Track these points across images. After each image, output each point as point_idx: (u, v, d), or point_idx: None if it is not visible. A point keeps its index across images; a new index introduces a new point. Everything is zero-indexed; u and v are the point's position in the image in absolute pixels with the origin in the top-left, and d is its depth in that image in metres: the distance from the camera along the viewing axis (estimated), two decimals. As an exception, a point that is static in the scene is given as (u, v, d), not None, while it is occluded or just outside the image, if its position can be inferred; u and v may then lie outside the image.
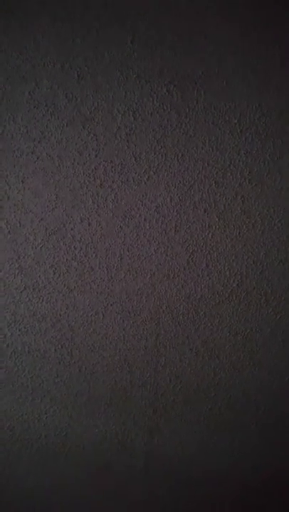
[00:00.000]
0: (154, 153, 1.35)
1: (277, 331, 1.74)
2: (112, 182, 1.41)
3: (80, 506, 2.55)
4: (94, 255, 1.57)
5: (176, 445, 2.16)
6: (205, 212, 1.46)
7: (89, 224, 1.50)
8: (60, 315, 1.72)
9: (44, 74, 1.22)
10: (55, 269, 1.60)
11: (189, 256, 1.55)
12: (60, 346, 1.82)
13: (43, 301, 1.69)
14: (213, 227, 1.49)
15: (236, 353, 1.80)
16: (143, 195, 1.43)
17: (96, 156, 1.36)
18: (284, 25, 1.14)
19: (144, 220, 1.48)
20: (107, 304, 1.68)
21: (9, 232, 1.52)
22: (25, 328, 1.77)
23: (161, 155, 1.35)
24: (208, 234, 1.50)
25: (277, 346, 1.78)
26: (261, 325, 1.72)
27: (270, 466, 2.26)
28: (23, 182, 1.41)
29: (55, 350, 1.83)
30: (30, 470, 2.36)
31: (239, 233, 1.50)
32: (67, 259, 1.58)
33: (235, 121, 1.29)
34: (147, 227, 1.50)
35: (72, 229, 1.51)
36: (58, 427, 2.13)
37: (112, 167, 1.38)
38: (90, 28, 1.16)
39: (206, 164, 1.36)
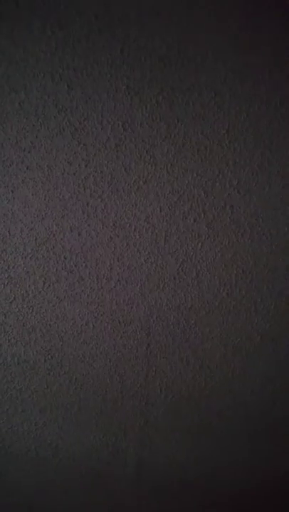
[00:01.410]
0: (144, 164, 1.36)
1: (267, 340, 1.74)
2: (102, 192, 1.41)
3: (71, 519, 2.52)
4: (84, 265, 1.56)
5: (168, 455, 2.15)
6: (194, 221, 1.46)
7: (79, 234, 1.50)
8: (50, 325, 1.72)
9: (34, 84, 1.23)
10: (45, 279, 1.60)
11: (179, 265, 1.56)
12: (49, 357, 1.81)
13: (32, 311, 1.68)
14: (203, 236, 1.49)
15: (227, 362, 1.81)
16: (133, 205, 1.43)
17: (86, 166, 1.36)
18: (273, 35, 1.15)
19: (134, 229, 1.48)
20: (98, 314, 1.68)
21: (-1, 242, 1.51)
22: (14, 338, 1.76)
23: (151, 165, 1.36)
24: (197, 243, 1.51)
25: (267, 355, 1.78)
26: (251, 334, 1.73)
27: (261, 474, 2.25)
28: (12, 192, 1.41)
29: (45, 360, 1.82)
30: (20, 482, 2.33)
31: (228, 242, 1.51)
32: (57, 269, 1.58)
33: (224, 131, 1.30)
34: (137, 237, 1.50)
35: (62, 239, 1.51)
36: (48, 439, 2.11)
37: (101, 177, 1.38)
38: (79, 38, 1.17)
39: (195, 174, 1.37)
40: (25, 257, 1.55)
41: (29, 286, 1.62)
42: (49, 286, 1.61)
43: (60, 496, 2.39)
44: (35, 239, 1.51)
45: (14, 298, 1.65)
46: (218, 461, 2.18)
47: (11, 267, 1.57)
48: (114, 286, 1.61)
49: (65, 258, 1.55)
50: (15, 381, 1.89)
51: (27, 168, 1.37)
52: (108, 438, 2.09)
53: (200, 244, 1.51)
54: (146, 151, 1.33)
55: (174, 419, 2.01)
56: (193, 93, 1.24)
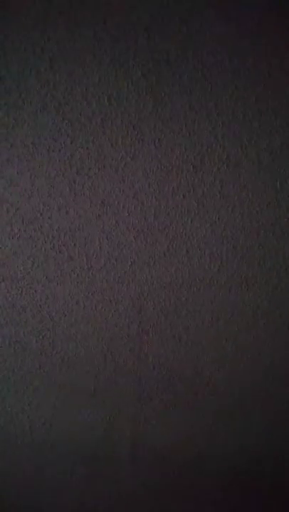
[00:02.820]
0: (131, 139, 1.33)
1: (259, 315, 1.74)
2: (89, 169, 1.38)
3: (67, 497, 2.55)
4: (72, 244, 1.55)
5: (162, 432, 2.17)
6: (184, 197, 1.44)
7: (66, 212, 1.47)
8: (40, 306, 1.71)
9: (15, 58, 1.19)
10: (34, 259, 1.58)
11: (169, 242, 1.54)
12: (41, 337, 1.80)
13: (22, 292, 1.67)
14: (192, 212, 1.48)
15: (219, 339, 1.81)
16: (120, 182, 1.41)
17: (71, 142, 1.33)
18: (261, 8, 1.12)
19: (123, 207, 1.46)
20: (88, 293, 1.67)
21: (-15, 222, 1.49)
22: (4, 320, 1.75)
23: (138, 140, 1.33)
24: (187, 219, 1.49)
25: (259, 330, 1.79)
26: (243, 309, 1.73)
27: (256, 451, 2.28)
28: (-3, 171, 1.38)
29: (36, 341, 1.82)
30: (15, 462, 2.35)
31: (218, 218, 1.49)
32: (45, 249, 1.56)
33: (212, 104, 1.27)
34: (126, 214, 1.48)
35: (49, 218, 1.48)
36: (42, 419, 2.12)
37: (88, 154, 1.35)
38: (61, 10, 1.13)
39: (183, 149, 1.35)
40: (13, 238, 1.53)
41: (17, 266, 1.60)
42: (38, 266, 1.60)
43: (55, 476, 2.41)
44: (22, 219, 1.48)
45: (3, 279, 1.63)
46: (212, 438, 2.21)
47: (-2, 248, 1.55)
48: (104, 265, 1.60)
49: (53, 237, 1.53)
50: (7, 362, 1.89)
51: (11, 146, 1.33)
52: (102, 416, 2.10)
53: (190, 220, 1.49)
54: (133, 126, 1.30)
55: (167, 396, 2.02)
56: (180, 66, 1.21)
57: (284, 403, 2.06)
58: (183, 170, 1.39)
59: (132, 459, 2.30)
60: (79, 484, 2.47)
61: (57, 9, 1.13)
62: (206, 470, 2.37)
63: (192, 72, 1.22)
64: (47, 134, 1.32)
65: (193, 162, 1.37)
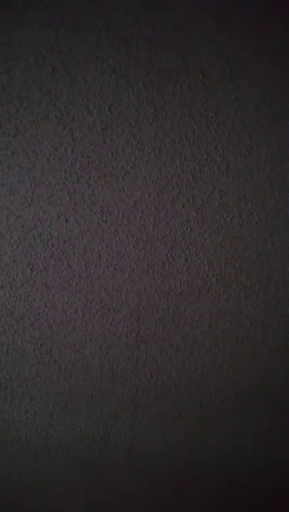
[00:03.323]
0: (131, 148, 1.33)
1: (257, 325, 1.75)
2: (89, 178, 1.39)
3: (64, 504, 2.54)
4: (72, 252, 1.55)
5: (158, 440, 2.16)
6: (183, 206, 1.45)
7: (66, 220, 1.48)
8: (39, 313, 1.70)
9: (17, 67, 1.20)
10: (33, 267, 1.58)
11: (168, 251, 1.55)
12: (39, 345, 1.80)
13: (20, 299, 1.66)
14: (192, 221, 1.48)
15: (216, 348, 1.81)
16: (120, 191, 1.42)
17: (72, 151, 1.34)
18: (260, 18, 1.14)
19: (122, 215, 1.47)
20: (86, 302, 1.67)
21: (-16, 230, 1.49)
22: (3, 327, 1.74)
23: (138, 150, 1.34)
24: (186, 229, 1.50)
25: (256, 340, 1.79)
26: (240, 319, 1.73)
27: (253, 458, 2.28)
28: (-3, 178, 1.38)
29: (34, 349, 1.81)
30: (12, 470, 2.34)
31: (217, 227, 1.50)
32: (44, 257, 1.56)
33: (212, 114, 1.28)
34: (125, 223, 1.48)
35: (49, 226, 1.49)
36: (38, 427, 2.11)
37: (88, 162, 1.36)
38: (64, 20, 1.14)
39: (183, 158, 1.35)
40: (12, 245, 1.53)
41: (16, 274, 1.60)
42: (37, 274, 1.60)
43: (52, 483, 2.40)
44: (22, 226, 1.49)
45: (1, 286, 1.63)
46: (209, 446, 2.20)
47: (-3, 255, 1.55)
48: (103, 273, 1.60)
49: (53, 245, 1.53)
50: (4, 370, 1.88)
51: (12, 154, 1.34)
52: (99, 425, 2.09)
53: (189, 229, 1.50)
54: (134, 136, 1.31)
55: (164, 405, 2.01)
56: (181, 75, 1.22)
57: (281, 411, 2.05)
58: (182, 179, 1.39)
59: (129, 466, 2.28)
60: (76, 492, 2.45)
61: (59, 19, 1.14)
62: (202, 477, 2.37)
63: (192, 83, 1.23)
64: (48, 143, 1.32)
65: (192, 171, 1.38)
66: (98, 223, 1.48)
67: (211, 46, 1.18)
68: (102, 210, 1.45)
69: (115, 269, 1.59)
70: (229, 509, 2.56)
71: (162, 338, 1.77)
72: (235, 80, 1.23)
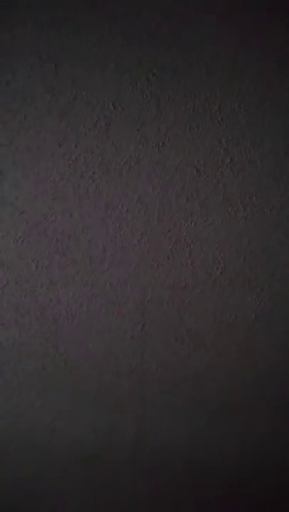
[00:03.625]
0: (135, 143, 1.34)
1: (261, 318, 1.75)
2: (93, 173, 1.39)
3: (69, 499, 2.56)
4: (76, 247, 1.55)
5: (165, 434, 2.18)
6: (187, 201, 1.45)
7: (70, 216, 1.48)
8: (44, 308, 1.71)
9: (21, 64, 1.20)
10: (38, 262, 1.59)
11: (172, 245, 1.55)
12: (44, 340, 1.81)
13: (26, 294, 1.67)
14: (196, 215, 1.49)
15: (221, 341, 1.82)
16: (124, 186, 1.42)
17: (76, 146, 1.34)
18: (263, 12, 1.13)
19: (127, 210, 1.47)
20: (91, 296, 1.68)
21: (-10, 226, 1.50)
22: (8, 322, 1.75)
23: (142, 144, 1.34)
24: (190, 223, 1.50)
25: (261, 332, 1.80)
26: (245, 312, 1.73)
27: (259, 452, 2.29)
28: (2, 174, 1.39)
29: (40, 343, 1.82)
30: (18, 464, 2.35)
31: (221, 221, 1.50)
32: (49, 252, 1.57)
33: (216, 108, 1.28)
34: (130, 218, 1.49)
35: (53, 221, 1.49)
36: (45, 421, 2.12)
37: (92, 158, 1.36)
38: (66, 16, 1.14)
39: (186, 153, 1.36)
40: (17, 241, 1.54)
41: (22, 269, 1.61)
42: (42, 269, 1.60)
43: (57, 478, 2.42)
44: (27, 222, 1.49)
45: (7, 282, 1.64)
46: (214, 438, 2.21)
47: (2, 251, 1.56)
48: (108, 268, 1.61)
49: (57, 241, 1.54)
50: (10, 364, 1.89)
51: (16, 150, 1.35)
52: (105, 418, 2.11)
53: (193, 223, 1.50)
54: (137, 130, 1.32)
55: (170, 398, 2.03)
56: (184, 70, 1.22)
57: (286, 405, 2.06)
58: (186, 174, 1.40)
59: (135, 460, 2.30)
60: (81, 486, 2.47)
61: (62, 16, 1.14)
62: (208, 471, 2.38)
63: (195, 77, 1.23)
64: (51, 139, 1.33)
65: (196, 166, 1.38)
66: (102, 218, 1.49)
67: (214, 41, 1.18)
68: (106, 205, 1.46)
69: (120, 263, 1.59)
70: (236, 506, 2.57)
71: (167, 332, 1.78)
72: (238, 74, 1.23)
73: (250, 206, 1.47)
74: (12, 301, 1.69)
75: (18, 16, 1.13)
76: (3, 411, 2.08)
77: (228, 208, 1.47)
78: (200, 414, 2.10)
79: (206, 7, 1.13)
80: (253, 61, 1.21)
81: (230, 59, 1.20)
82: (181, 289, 1.67)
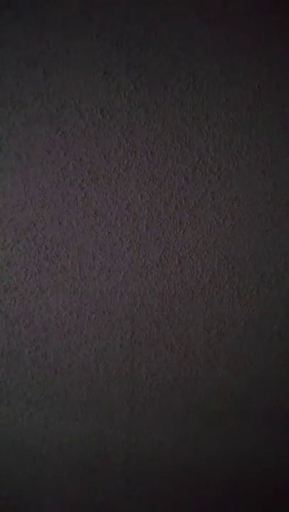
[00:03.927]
0: (123, 151, 1.34)
1: (250, 325, 1.75)
2: (82, 180, 1.40)
3: (60, 507, 2.53)
4: (66, 255, 1.55)
5: (155, 441, 2.17)
6: (176, 208, 1.46)
7: (60, 223, 1.48)
8: (34, 316, 1.71)
9: (9, 71, 1.20)
10: (27, 269, 1.58)
11: (161, 253, 1.55)
12: (34, 348, 1.80)
13: (15, 302, 1.67)
14: (184, 223, 1.49)
15: (211, 348, 1.82)
16: (113, 193, 1.42)
17: (65, 154, 1.34)
18: (252, 18, 1.15)
19: (116, 218, 1.47)
20: (81, 304, 1.67)
21: (-22, 233, 1.49)
22: (-3, 330, 1.74)
23: (130, 152, 1.35)
24: (179, 230, 1.51)
25: (251, 340, 1.80)
26: (234, 319, 1.74)
27: (250, 459, 2.28)
28: (-10, 182, 1.39)
29: (29, 352, 1.81)
30: (7, 473, 2.33)
31: (210, 229, 1.51)
32: (38, 260, 1.56)
33: (203, 117, 1.29)
34: (118, 225, 1.49)
35: (42, 228, 1.49)
36: (34, 429, 2.11)
37: (81, 165, 1.37)
38: (55, 23, 1.14)
39: (175, 161, 1.36)
40: (6, 248, 1.53)
41: (11, 277, 1.60)
42: (31, 276, 1.60)
43: (48, 486, 2.40)
44: (15, 229, 1.49)
45: (-4, 289, 1.63)
46: (205, 447, 2.21)
47: (-9, 258, 1.55)
48: (97, 275, 1.60)
49: (47, 248, 1.54)
50: (0, 372, 1.88)
51: (4, 157, 1.35)
52: (95, 427, 2.09)
53: (182, 231, 1.51)
54: (126, 138, 1.32)
55: (160, 406, 2.02)
56: (172, 78, 1.23)
57: (276, 411, 2.06)
58: (175, 181, 1.40)
59: (126, 468, 2.29)
60: (72, 494, 2.45)
61: (51, 23, 1.14)
62: (200, 479, 2.37)
63: (183, 85, 1.24)
64: (40, 146, 1.33)
65: (185, 174, 1.39)
66: (92, 225, 1.49)
67: (202, 49, 1.19)
68: (95, 213, 1.46)
69: (109, 271, 1.59)
70: (227, 509, 2.56)
71: (157, 340, 1.78)
72: (226, 82, 1.24)
73: (238, 213, 1.47)
74: (1, 308, 1.68)
75: (5, 22, 1.14)
76: (-8, 420, 2.06)
77: (216, 216, 1.48)
78: (190, 421, 2.09)
79: (194, 15, 1.14)
80: (241, 69, 1.22)
81: (218, 67, 1.21)
82: (171, 297, 1.67)
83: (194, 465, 2.29)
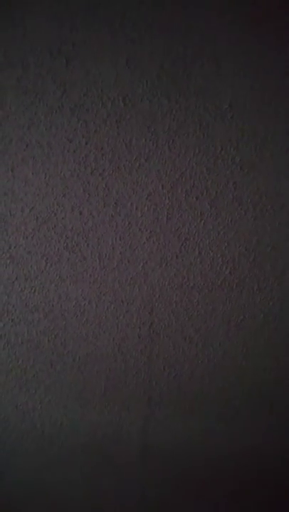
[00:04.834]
0: (145, 140, 1.33)
1: (270, 318, 1.74)
2: (103, 170, 1.39)
3: (76, 495, 2.56)
4: (86, 244, 1.55)
5: (171, 432, 2.17)
6: (197, 199, 1.44)
7: (80, 213, 1.48)
8: (53, 305, 1.72)
9: (32, 59, 1.20)
10: (47, 258, 1.59)
11: (182, 244, 1.54)
12: (53, 336, 1.81)
13: (35, 291, 1.68)
14: (205, 214, 1.48)
15: (229, 340, 1.81)
16: (134, 183, 1.42)
17: (86, 143, 1.34)
18: (276, 5, 1.12)
19: (136, 208, 1.47)
20: (100, 293, 1.68)
21: (-1, 221, 1.50)
22: (17, 318, 1.76)
23: (152, 142, 1.33)
24: (200, 221, 1.49)
25: (270, 332, 1.78)
26: (254, 312, 1.72)
27: (267, 450, 2.27)
28: (12, 171, 1.39)
29: (49, 340, 1.83)
30: (26, 460, 2.36)
31: (231, 220, 1.49)
32: (58, 249, 1.57)
33: (227, 105, 1.27)
34: (139, 215, 1.48)
35: (63, 218, 1.49)
36: (52, 417, 2.13)
37: (102, 154, 1.36)
38: (77, 11, 1.14)
39: (197, 151, 1.35)
40: (27, 237, 1.54)
41: (31, 266, 1.61)
42: (51, 265, 1.61)
43: (65, 473, 2.42)
44: (36, 218, 1.49)
45: (16, 278, 1.64)
46: (220, 438, 2.20)
47: (12, 247, 1.56)
48: (117, 266, 1.60)
49: (67, 237, 1.54)
50: (19, 361, 1.90)
51: (26, 146, 1.35)
52: (112, 416, 2.11)
53: (202, 222, 1.49)
54: (148, 128, 1.31)
55: (177, 397, 2.02)
56: (195, 66, 1.21)
57: (295, 407, 2.04)
58: (196, 171, 1.39)
59: (141, 458, 2.30)
60: (88, 482, 2.48)
61: (74, 10, 1.14)
62: (216, 470, 2.37)
63: (207, 73, 1.22)
64: (62, 135, 1.33)
65: (206, 164, 1.37)
66: (112, 215, 1.48)
67: (226, 36, 1.17)
68: (115, 203, 1.46)
69: (129, 261, 1.59)
70: (243, 503, 2.56)
71: (175, 331, 1.78)
72: (250, 71, 1.22)
73: (260, 205, 1.45)
74: (21, 297, 1.69)
75: (29, 11, 1.13)
76: (12, 407, 2.09)
77: (237, 207, 1.46)
78: (207, 413, 2.09)
79: (219, 2, 1.12)
80: (266, 57, 1.19)
81: (242, 55, 1.19)
82: (190, 288, 1.66)
83: (210, 456, 2.29)
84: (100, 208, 1.47)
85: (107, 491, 2.52)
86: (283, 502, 2.52)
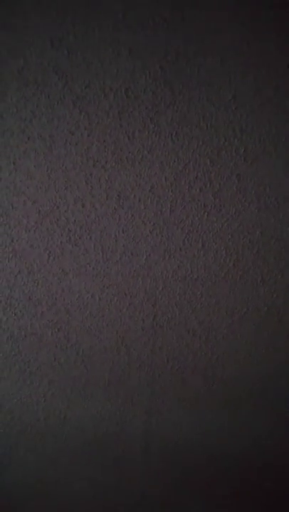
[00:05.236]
0: (148, 132, 1.32)
1: (274, 310, 1.73)
2: (106, 162, 1.38)
3: (79, 488, 2.58)
4: (88, 237, 1.55)
5: (174, 425, 2.17)
6: (200, 191, 1.44)
7: (83, 205, 1.47)
8: (56, 298, 1.71)
9: (33, 51, 1.19)
10: (50, 251, 1.59)
11: (185, 236, 1.54)
12: (56, 330, 1.81)
13: (38, 284, 1.67)
14: (209, 206, 1.47)
15: (233, 333, 1.80)
16: (137, 175, 1.41)
17: (88, 135, 1.33)
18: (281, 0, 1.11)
19: (139, 200, 1.46)
20: (103, 286, 1.67)
21: (1, 215, 1.50)
22: (20, 312, 1.76)
23: (155, 133, 1.32)
24: (203, 213, 1.49)
25: (273, 325, 1.78)
26: (258, 304, 1.72)
27: (268, 444, 2.28)
28: (14, 163, 1.39)
29: (52, 333, 1.83)
30: (29, 452, 2.37)
31: (235, 212, 1.48)
32: (61, 242, 1.56)
33: (230, 97, 1.26)
34: (142, 208, 1.48)
35: (65, 211, 1.49)
36: (56, 410, 2.13)
37: (104, 147, 1.35)
38: (79, 2, 1.12)
39: (200, 142, 1.34)
40: (29, 230, 1.53)
41: (34, 259, 1.60)
42: (54, 258, 1.60)
43: (69, 466, 2.43)
44: (39, 211, 1.49)
45: (19, 271, 1.64)
46: (224, 431, 2.21)
47: (14, 240, 1.56)
48: (120, 258, 1.60)
49: (70, 230, 1.53)
50: (22, 354, 1.90)
51: (28, 139, 1.34)
52: (115, 409, 2.11)
53: (206, 214, 1.49)
54: (150, 119, 1.30)
55: (180, 390, 2.02)
56: (198, 57, 1.20)
57: (298, 399, 2.05)
58: (200, 163, 1.38)
59: (145, 451, 2.30)
60: (91, 475, 2.49)
61: (75, 1, 1.12)
62: (218, 463, 2.38)
63: (210, 64, 1.21)
64: (64, 127, 1.32)
65: (210, 155, 1.36)
66: (115, 208, 1.48)
67: (229, 28, 1.15)
68: (118, 195, 1.45)
69: (132, 253, 1.58)
70: (246, 497, 2.57)
71: (179, 323, 1.77)
72: (253, 62, 1.20)
73: (263, 197, 1.44)
74: (24, 290, 1.69)
75: (30, 2, 1.12)
76: (16, 400, 2.09)
77: (241, 199, 1.45)
78: (210, 405, 2.09)
79: (221, -8, 1.10)
80: (269, 48, 1.18)
81: (246, 45, 1.18)
82: (193, 281, 1.65)
83: (212, 449, 2.29)
84: (102, 200, 1.46)
85: (110, 483, 2.53)
86: (286, 499, 2.53)
